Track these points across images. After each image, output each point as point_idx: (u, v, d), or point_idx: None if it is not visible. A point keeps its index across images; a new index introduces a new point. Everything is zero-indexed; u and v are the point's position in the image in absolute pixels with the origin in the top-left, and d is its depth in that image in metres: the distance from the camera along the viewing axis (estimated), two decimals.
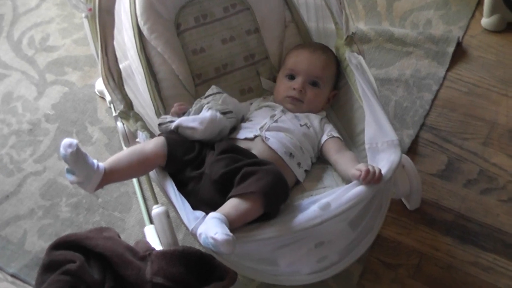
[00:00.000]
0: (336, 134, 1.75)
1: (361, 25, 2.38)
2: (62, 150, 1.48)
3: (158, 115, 1.78)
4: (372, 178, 1.48)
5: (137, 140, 1.67)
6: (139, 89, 1.84)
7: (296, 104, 1.80)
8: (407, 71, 2.25)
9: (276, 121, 1.73)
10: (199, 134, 1.63)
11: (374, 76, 1.84)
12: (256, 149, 1.64)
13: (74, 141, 1.48)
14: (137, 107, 1.77)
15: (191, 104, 1.75)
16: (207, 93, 1.76)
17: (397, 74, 2.24)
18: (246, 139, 1.68)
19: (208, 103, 1.70)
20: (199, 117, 1.65)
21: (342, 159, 1.66)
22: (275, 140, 1.66)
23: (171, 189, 1.54)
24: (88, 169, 1.50)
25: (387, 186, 1.55)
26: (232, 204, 1.45)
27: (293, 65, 1.84)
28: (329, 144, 1.73)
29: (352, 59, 1.79)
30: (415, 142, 2.05)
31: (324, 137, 1.74)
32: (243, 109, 1.80)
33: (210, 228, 1.38)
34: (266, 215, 1.49)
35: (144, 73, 1.82)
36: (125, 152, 1.59)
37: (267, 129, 1.70)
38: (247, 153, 1.61)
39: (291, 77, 1.83)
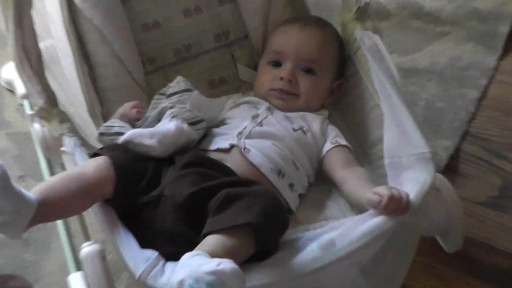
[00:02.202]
0: (343, 141, 1.76)
1: None
2: None
3: (93, 114, 1.78)
4: (396, 207, 1.47)
5: (63, 149, 1.66)
6: (67, 78, 1.83)
7: (287, 99, 1.81)
8: (442, 58, 2.27)
9: (260, 123, 1.74)
10: (156, 152, 1.62)
11: (395, 64, 1.86)
12: (232, 164, 1.63)
13: None
14: (64, 103, 1.76)
15: (141, 98, 1.75)
16: (171, 89, 1.75)
17: (428, 62, 2.26)
18: (218, 150, 1.67)
19: (171, 107, 1.70)
20: (159, 132, 1.63)
21: (353, 177, 1.66)
22: (258, 152, 1.66)
23: (110, 218, 1.52)
24: (17, 202, 1.43)
25: (415, 218, 1.55)
26: (214, 241, 1.43)
27: (278, 46, 1.86)
28: (335, 155, 1.73)
29: (365, 39, 1.81)
30: (455, 157, 2.07)
31: (328, 145, 1.75)
32: (217, 110, 1.80)
33: (202, 264, 1.33)
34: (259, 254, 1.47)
35: (74, 55, 1.82)
36: (58, 178, 1.53)
37: (248, 135, 1.70)
38: (220, 166, 1.60)
39: (276, 63, 1.85)
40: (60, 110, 1.70)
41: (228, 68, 1.99)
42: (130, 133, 1.63)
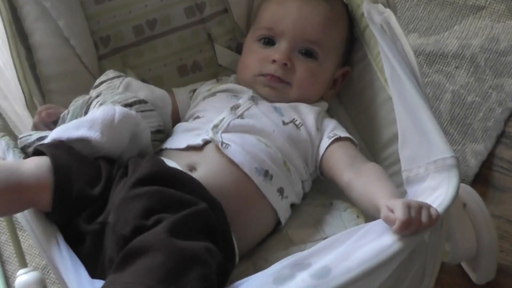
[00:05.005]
0: (344, 133, 1.77)
1: None
2: None
3: (32, 108, 1.78)
4: (419, 225, 1.41)
5: None
6: None
7: (277, 89, 1.83)
8: (474, 40, 2.29)
9: (241, 115, 1.76)
10: (99, 146, 1.61)
11: (415, 47, 1.87)
12: (207, 164, 1.65)
13: None
14: None
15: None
16: (97, 81, 1.78)
17: (457, 45, 2.29)
18: (189, 148, 1.69)
19: (98, 96, 1.71)
20: (86, 119, 1.62)
21: (362, 180, 1.65)
22: (238, 147, 1.68)
23: (54, 241, 1.51)
24: None
25: (434, 240, 1.55)
26: None
27: (271, 20, 1.87)
28: (335, 153, 1.74)
29: (374, 15, 1.82)
30: (487, 165, 2.10)
31: (325, 142, 1.76)
32: (167, 102, 1.81)
33: None
34: None
35: (7, 34, 1.82)
36: None
37: (226, 129, 1.71)
38: (186, 181, 1.57)
39: (269, 41, 1.86)
40: None
41: (203, 50, 2.01)
42: (53, 133, 1.61)
